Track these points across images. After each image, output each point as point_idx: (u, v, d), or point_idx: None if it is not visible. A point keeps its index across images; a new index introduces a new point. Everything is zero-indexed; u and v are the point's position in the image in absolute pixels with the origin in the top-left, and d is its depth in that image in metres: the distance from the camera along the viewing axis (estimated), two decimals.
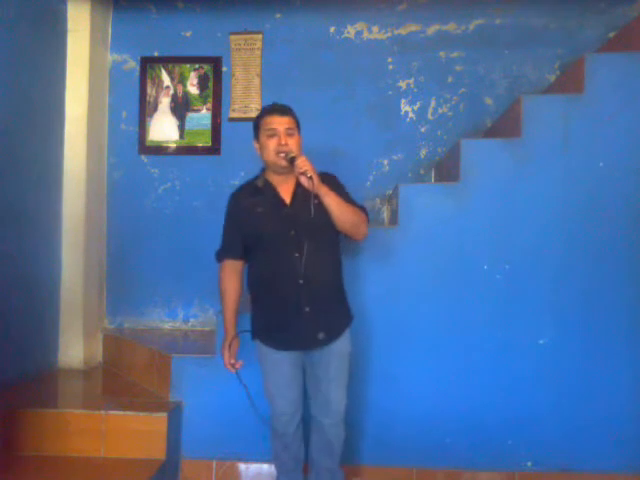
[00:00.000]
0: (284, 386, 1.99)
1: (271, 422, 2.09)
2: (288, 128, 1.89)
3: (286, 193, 1.95)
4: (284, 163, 1.87)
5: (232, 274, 2.05)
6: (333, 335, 1.95)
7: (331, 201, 1.83)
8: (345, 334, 2.00)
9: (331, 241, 1.98)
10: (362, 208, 1.99)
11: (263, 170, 2.02)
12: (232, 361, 1.99)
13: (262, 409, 2.17)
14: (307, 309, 1.89)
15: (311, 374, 2.02)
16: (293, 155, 1.85)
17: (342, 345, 1.98)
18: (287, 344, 1.96)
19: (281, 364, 1.98)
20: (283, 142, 1.86)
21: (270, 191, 1.96)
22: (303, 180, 1.79)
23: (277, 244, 1.91)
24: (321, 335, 1.91)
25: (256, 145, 1.98)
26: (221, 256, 2.08)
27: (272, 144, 1.88)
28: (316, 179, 1.79)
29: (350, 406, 2.09)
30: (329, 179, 1.95)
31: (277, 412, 2.03)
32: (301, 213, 1.88)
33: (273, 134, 1.88)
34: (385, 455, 2.40)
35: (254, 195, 1.97)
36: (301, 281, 1.88)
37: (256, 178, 2.02)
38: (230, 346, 2.01)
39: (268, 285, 1.95)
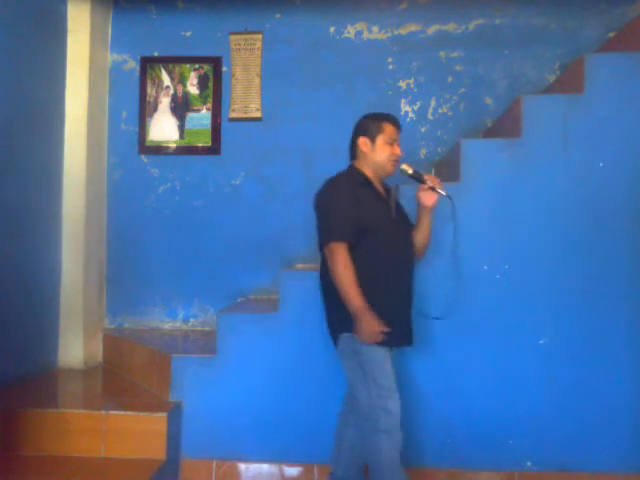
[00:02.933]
0: (395, 381, 1.96)
1: (387, 421, 1.88)
2: (397, 139, 2.05)
3: (381, 191, 2.08)
4: (392, 169, 2.02)
5: (350, 258, 1.92)
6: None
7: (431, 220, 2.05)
8: None
9: None
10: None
11: (352, 167, 2.08)
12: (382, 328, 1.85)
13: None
14: (409, 305, 2.04)
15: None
16: (418, 172, 2.03)
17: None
18: (400, 340, 1.99)
19: (388, 359, 1.95)
20: (398, 152, 2.02)
21: (374, 187, 2.05)
22: (428, 195, 1.99)
23: (395, 239, 2.00)
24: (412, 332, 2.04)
25: (365, 141, 2.03)
26: (345, 237, 1.90)
27: (389, 150, 2.01)
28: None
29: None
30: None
31: (396, 407, 1.92)
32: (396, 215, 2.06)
33: (392, 142, 2.02)
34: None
35: (364, 186, 2.02)
36: (409, 278, 2.03)
37: (349, 172, 2.06)
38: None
39: (389, 280, 1.96)
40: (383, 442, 1.87)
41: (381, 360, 1.91)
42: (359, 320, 1.82)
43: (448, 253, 2.28)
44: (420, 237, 2.07)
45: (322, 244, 1.95)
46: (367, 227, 1.92)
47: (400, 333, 1.97)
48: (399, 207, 2.10)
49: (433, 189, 1.97)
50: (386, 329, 1.82)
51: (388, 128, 2.02)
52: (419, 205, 2.04)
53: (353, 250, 1.89)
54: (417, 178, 2.01)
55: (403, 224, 2.07)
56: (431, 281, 2.33)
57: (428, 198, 1.99)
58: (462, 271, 2.33)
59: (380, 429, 1.87)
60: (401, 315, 2.00)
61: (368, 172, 2.04)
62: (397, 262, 1.99)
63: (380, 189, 2.07)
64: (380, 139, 2.01)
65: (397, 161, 2.03)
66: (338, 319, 1.96)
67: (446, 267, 2.32)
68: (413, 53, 3.24)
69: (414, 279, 2.07)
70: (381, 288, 1.93)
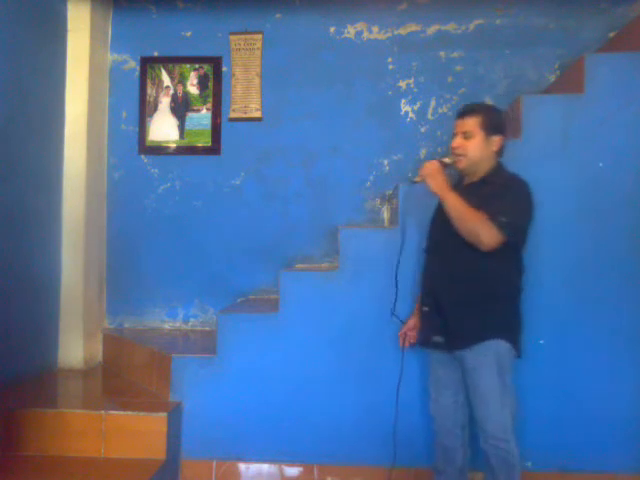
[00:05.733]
0: (433, 384, 2.16)
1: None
2: (464, 131, 1.95)
3: (464, 188, 2.04)
4: (457, 165, 1.99)
5: None
6: None
7: (448, 205, 1.90)
8: None
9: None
10: (498, 220, 1.82)
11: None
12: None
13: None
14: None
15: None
16: (443, 161, 1.99)
17: None
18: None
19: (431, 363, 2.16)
20: (454, 144, 1.97)
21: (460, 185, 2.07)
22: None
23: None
24: None
25: None
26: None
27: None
28: (435, 183, 1.93)
29: None
30: (497, 186, 1.92)
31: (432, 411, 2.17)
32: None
33: (453, 137, 2.00)
34: (384, 455, 2.40)
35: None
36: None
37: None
38: None
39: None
40: None
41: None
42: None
43: None
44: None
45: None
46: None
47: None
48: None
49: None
50: None
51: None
52: None
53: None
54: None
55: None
56: None
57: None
58: None
59: None
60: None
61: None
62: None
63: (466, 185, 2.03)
64: None
65: (455, 154, 1.98)
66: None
67: None
68: (413, 53, 3.24)
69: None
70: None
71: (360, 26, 3.27)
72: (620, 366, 2.33)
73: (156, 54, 3.36)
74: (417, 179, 2.02)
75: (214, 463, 2.43)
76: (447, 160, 2.00)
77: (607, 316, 2.34)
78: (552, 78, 3.13)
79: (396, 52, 3.25)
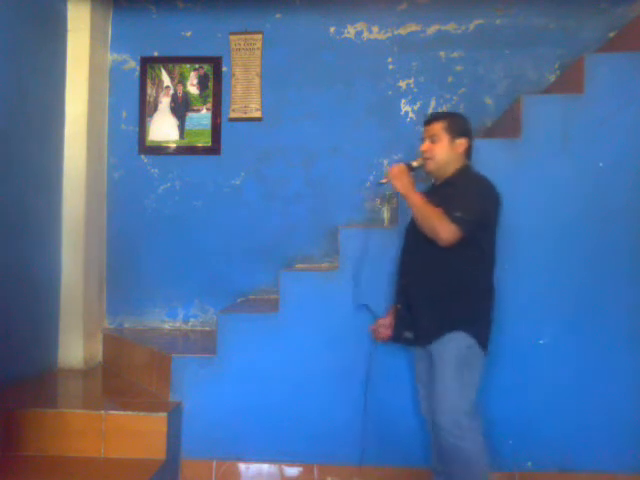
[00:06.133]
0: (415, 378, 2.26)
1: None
2: (431, 135, 2.06)
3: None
4: (425, 168, 2.09)
5: None
6: None
7: (411, 204, 1.99)
8: None
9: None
10: (452, 216, 1.89)
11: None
12: None
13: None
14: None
15: None
16: (410, 164, 2.08)
17: None
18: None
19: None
20: (422, 148, 2.08)
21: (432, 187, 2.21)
22: None
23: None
24: None
25: None
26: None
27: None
28: (401, 184, 2.00)
29: None
30: (458, 185, 2.00)
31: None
32: None
33: (423, 140, 2.11)
34: (385, 455, 2.40)
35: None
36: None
37: None
38: None
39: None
40: None
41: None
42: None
43: None
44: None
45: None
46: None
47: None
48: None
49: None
50: None
51: None
52: None
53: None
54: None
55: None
56: None
57: None
58: None
59: None
60: None
61: None
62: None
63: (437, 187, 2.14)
64: None
65: (424, 158, 2.08)
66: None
67: None
68: (413, 53, 3.23)
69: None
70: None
71: (360, 26, 3.27)
72: (620, 366, 2.33)
73: (156, 54, 3.36)
74: (383, 180, 2.11)
75: (214, 463, 2.43)
76: (414, 163, 2.08)
77: (608, 316, 2.34)
78: (552, 78, 3.13)
79: (396, 52, 3.25)
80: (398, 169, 2.04)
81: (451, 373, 1.92)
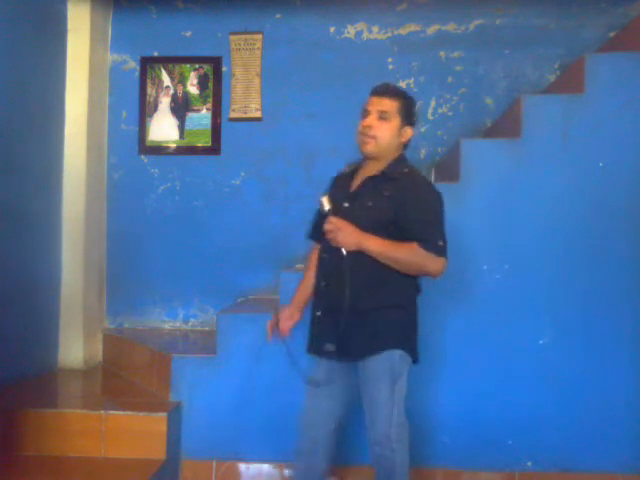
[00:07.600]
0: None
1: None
2: (382, 111, 1.73)
3: (358, 179, 1.82)
4: (362, 147, 1.77)
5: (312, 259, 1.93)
6: None
7: (375, 254, 1.69)
8: None
9: None
10: (436, 247, 1.67)
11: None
12: None
13: None
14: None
15: None
16: (329, 208, 1.73)
17: None
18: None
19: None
20: (365, 123, 1.74)
21: (350, 176, 1.87)
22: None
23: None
24: None
25: None
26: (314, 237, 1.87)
27: (360, 124, 1.77)
28: (350, 238, 1.68)
29: None
30: (408, 188, 1.72)
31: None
32: (357, 207, 1.75)
33: (365, 115, 1.77)
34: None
35: (345, 178, 1.89)
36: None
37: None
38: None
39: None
40: None
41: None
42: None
43: None
44: None
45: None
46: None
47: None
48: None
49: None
50: None
51: (366, 100, 1.79)
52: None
53: None
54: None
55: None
56: None
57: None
58: (462, 270, 2.33)
59: None
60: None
61: None
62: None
63: (359, 175, 1.84)
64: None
65: (363, 134, 1.75)
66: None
67: None
68: (413, 53, 3.23)
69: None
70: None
71: (360, 26, 3.27)
72: (620, 366, 2.33)
73: (156, 54, 3.36)
74: (330, 241, 1.73)
75: (214, 463, 2.43)
76: (326, 207, 1.74)
77: (608, 316, 2.34)
78: (552, 78, 3.13)
79: (396, 52, 3.25)
80: (335, 222, 1.69)
81: (386, 391, 1.74)
